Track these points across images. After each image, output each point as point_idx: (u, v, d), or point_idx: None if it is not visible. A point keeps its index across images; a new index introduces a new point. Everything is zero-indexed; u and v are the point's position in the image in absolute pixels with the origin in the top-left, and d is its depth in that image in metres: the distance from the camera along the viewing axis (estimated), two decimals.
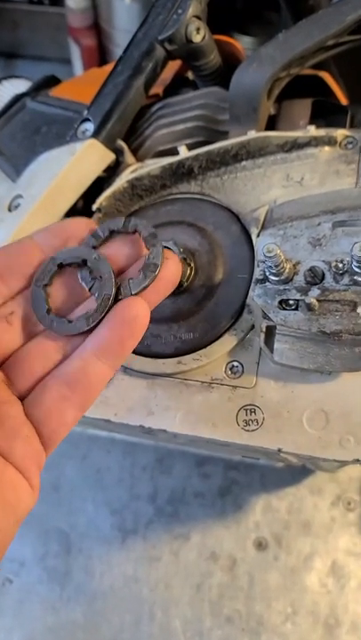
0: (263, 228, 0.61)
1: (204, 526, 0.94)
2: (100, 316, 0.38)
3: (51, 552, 0.95)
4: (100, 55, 1.29)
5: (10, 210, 0.67)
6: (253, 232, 0.61)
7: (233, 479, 0.97)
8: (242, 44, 1.30)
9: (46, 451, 0.38)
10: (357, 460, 0.54)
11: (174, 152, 0.69)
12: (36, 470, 0.36)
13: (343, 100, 0.74)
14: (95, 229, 0.41)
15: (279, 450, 0.56)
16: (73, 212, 0.71)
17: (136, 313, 0.38)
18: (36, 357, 0.39)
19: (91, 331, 0.38)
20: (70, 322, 0.39)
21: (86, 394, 0.38)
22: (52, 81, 0.85)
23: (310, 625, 0.88)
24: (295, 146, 0.62)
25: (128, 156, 0.71)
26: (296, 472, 0.97)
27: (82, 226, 0.42)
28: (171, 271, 0.41)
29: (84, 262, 0.40)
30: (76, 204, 0.72)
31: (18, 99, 0.82)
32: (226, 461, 0.98)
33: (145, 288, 0.39)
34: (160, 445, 0.98)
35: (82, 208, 0.72)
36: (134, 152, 0.74)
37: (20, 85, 0.89)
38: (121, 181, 0.65)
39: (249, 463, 0.98)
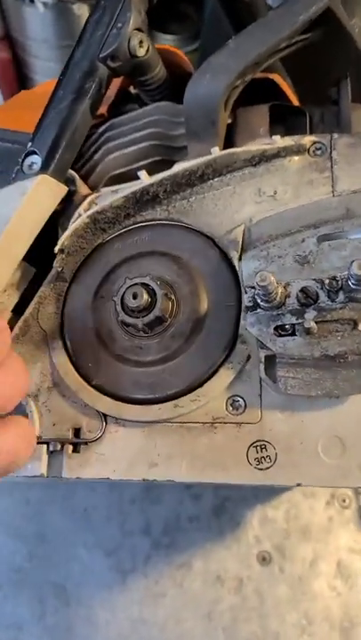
0: (243, 250, 0.57)
1: (204, 551, 0.91)
2: None
3: (49, 609, 0.89)
4: (16, 68, 1.20)
5: None
6: (234, 256, 0.57)
7: (225, 496, 0.95)
8: (162, 42, 1.26)
9: None
10: None
11: (129, 176, 0.64)
12: None
13: (295, 102, 0.71)
14: None
15: (298, 485, 0.53)
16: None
17: None
18: None
19: None
20: None
21: None
22: None
23: (327, 632, 0.87)
24: (263, 158, 0.59)
25: (81, 186, 0.66)
26: None
27: None
28: None
29: None
30: None
31: None
32: None
33: None
34: None
35: (36, 241, 0.66)
36: (84, 179, 0.68)
37: None
38: (81, 218, 0.59)
39: None
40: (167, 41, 1.22)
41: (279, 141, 0.58)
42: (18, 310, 0.65)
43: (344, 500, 0.94)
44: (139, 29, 0.60)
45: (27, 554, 0.86)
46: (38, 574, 0.90)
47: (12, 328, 0.63)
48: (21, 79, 1.23)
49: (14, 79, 1.21)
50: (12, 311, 0.66)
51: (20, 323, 0.63)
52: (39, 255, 0.63)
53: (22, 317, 0.63)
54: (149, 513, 0.93)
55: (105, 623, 0.87)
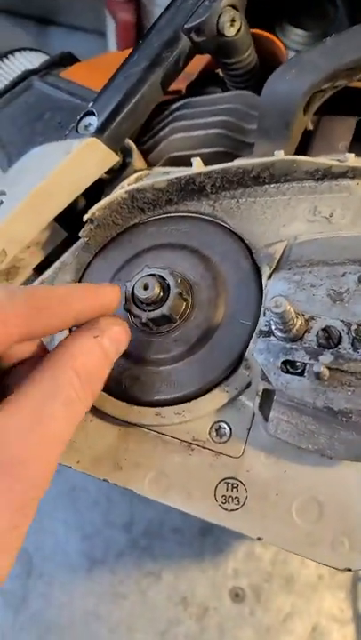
0: (277, 268, 0.51)
1: (178, 567, 0.86)
2: None
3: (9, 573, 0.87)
4: (136, 32, 1.18)
5: None
6: (265, 271, 0.52)
7: None
8: (292, 36, 1.18)
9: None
10: (349, 570, 0.45)
11: (189, 160, 0.60)
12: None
13: None
14: None
15: (259, 539, 0.47)
16: (72, 213, 0.62)
17: None
18: None
19: None
20: None
21: None
22: (68, 59, 0.75)
23: None
24: (328, 175, 0.52)
25: (137, 160, 0.62)
26: None
27: None
28: None
29: None
30: (76, 204, 0.63)
31: (27, 75, 0.72)
32: None
33: None
34: None
35: (83, 209, 0.63)
36: (145, 153, 0.65)
37: (34, 60, 0.79)
38: (120, 191, 0.56)
39: None
40: (297, 36, 1.15)
41: (351, 160, 0.51)
42: (41, 271, 0.63)
43: None
44: (233, 6, 0.55)
45: None
46: None
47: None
48: None
49: (133, 43, 1.19)
50: (35, 270, 0.64)
51: (35, 283, 0.60)
52: (76, 221, 0.60)
53: (40, 278, 0.60)
54: (136, 510, 0.89)
55: (59, 605, 0.85)
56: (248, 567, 0.86)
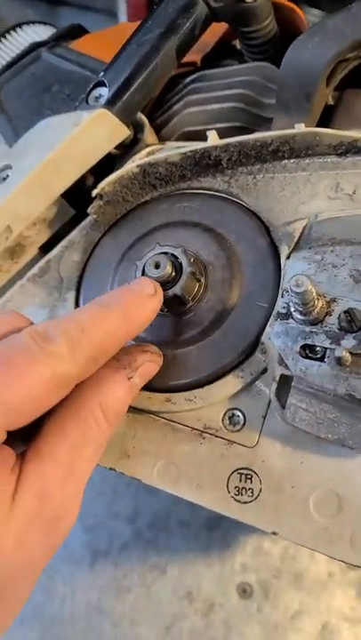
0: (297, 248, 0.48)
1: (183, 560, 0.83)
2: None
3: None
4: (148, 11, 1.14)
5: None
6: (283, 251, 0.49)
7: None
8: (309, 16, 1.15)
9: None
10: None
11: (204, 136, 0.57)
12: None
13: None
14: None
15: (274, 533, 0.45)
16: (80, 191, 0.59)
17: None
18: None
19: None
20: None
21: None
22: (78, 31, 0.73)
23: None
24: (352, 149, 0.49)
25: (149, 134, 0.59)
26: None
27: None
28: None
29: None
30: (85, 182, 0.60)
31: (34, 47, 0.69)
32: None
33: None
34: None
35: (92, 186, 0.60)
36: (158, 129, 0.62)
37: (42, 32, 0.77)
38: (131, 165, 0.53)
39: None
40: (315, 17, 1.11)
41: None
42: (47, 250, 0.60)
43: None
44: None
45: None
46: None
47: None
48: None
49: None
50: (41, 249, 0.61)
51: (41, 262, 0.58)
52: (85, 200, 0.57)
53: (46, 257, 0.58)
54: (141, 502, 0.87)
55: (61, 598, 0.82)
56: (256, 562, 0.84)
